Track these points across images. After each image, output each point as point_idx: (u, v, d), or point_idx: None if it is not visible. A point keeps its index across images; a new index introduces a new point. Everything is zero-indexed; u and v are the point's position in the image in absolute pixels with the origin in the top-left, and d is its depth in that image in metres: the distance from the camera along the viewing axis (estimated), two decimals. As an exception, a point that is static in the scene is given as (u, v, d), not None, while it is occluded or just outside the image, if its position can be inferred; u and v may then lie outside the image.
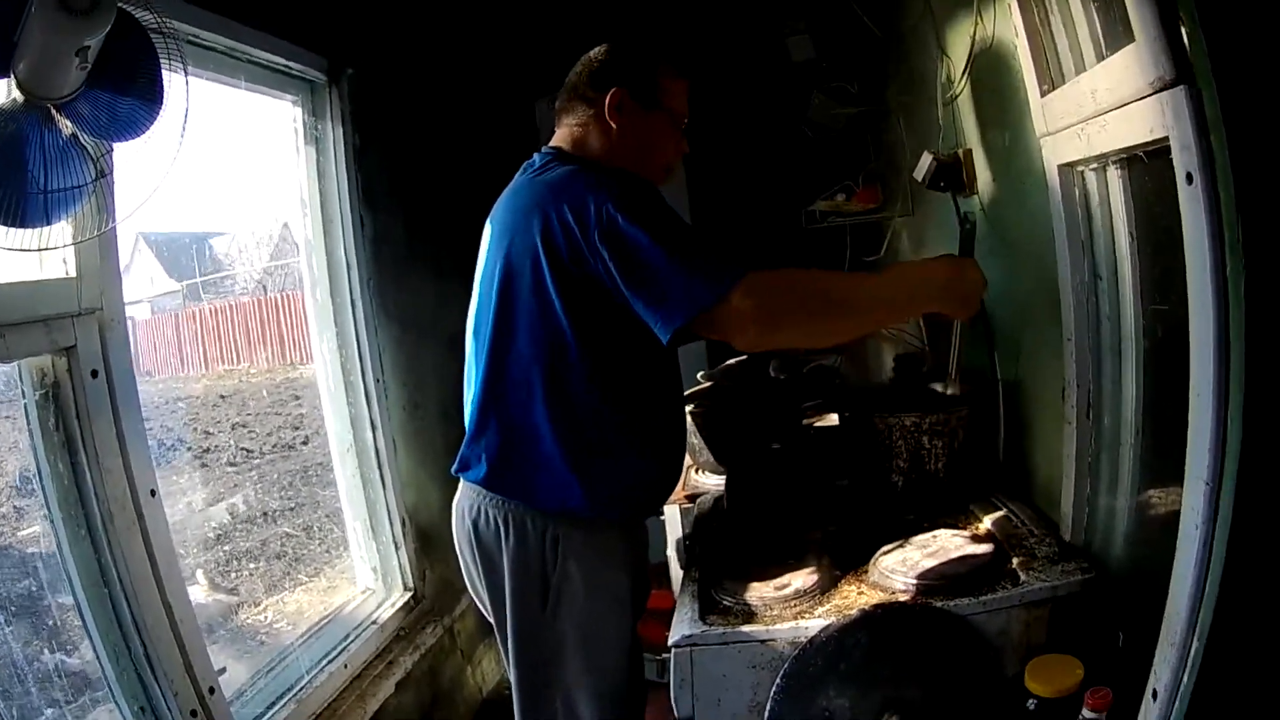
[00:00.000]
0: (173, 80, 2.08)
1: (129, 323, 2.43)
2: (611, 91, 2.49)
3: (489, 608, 2.55)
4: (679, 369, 2.59)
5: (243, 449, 7.55)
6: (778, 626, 2.30)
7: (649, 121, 2.55)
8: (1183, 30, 1.46)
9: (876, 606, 2.26)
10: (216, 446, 7.56)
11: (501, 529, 2.42)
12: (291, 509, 6.26)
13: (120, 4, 1.89)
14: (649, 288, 2.15)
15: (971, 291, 2.36)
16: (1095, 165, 2.10)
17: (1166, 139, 1.56)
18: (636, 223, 2.16)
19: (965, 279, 2.36)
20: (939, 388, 2.94)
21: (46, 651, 2.53)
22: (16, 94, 1.90)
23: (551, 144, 2.59)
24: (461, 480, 2.57)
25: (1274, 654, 1.52)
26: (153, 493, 2.45)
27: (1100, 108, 1.86)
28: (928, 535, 2.57)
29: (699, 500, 3.40)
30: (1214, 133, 1.41)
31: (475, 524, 2.47)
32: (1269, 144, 1.36)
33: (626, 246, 2.16)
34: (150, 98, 2.06)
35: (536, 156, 2.55)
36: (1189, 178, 1.48)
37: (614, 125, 2.51)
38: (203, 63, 2.93)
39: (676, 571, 3.50)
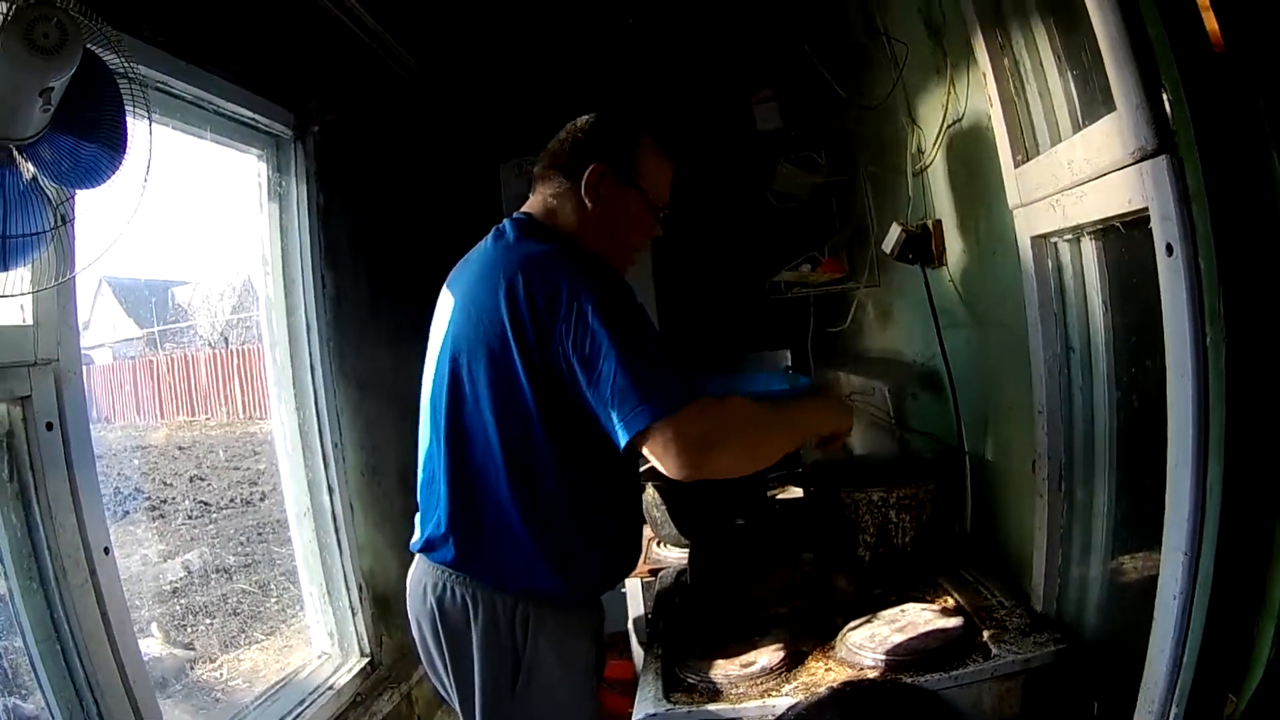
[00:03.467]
0: (137, 128, 2.05)
1: (89, 368, 2.39)
2: (591, 167, 2.44)
3: (452, 686, 2.47)
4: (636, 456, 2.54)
5: (200, 502, 7.51)
6: (744, 705, 2.25)
7: (626, 201, 2.50)
8: (1165, 99, 1.46)
9: (845, 684, 2.22)
10: (174, 498, 7.51)
11: (470, 607, 2.36)
12: (248, 565, 6.24)
13: (88, 45, 1.87)
14: (603, 398, 2.14)
15: (846, 415, 2.63)
16: (1070, 236, 2.09)
17: (1146, 210, 1.56)
18: (606, 328, 2.13)
19: (839, 407, 2.71)
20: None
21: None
22: (-23, 131, 1.87)
23: (524, 210, 2.55)
24: (421, 557, 2.52)
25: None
26: (106, 550, 2.40)
27: (1077, 179, 1.86)
28: (896, 610, 2.53)
29: (660, 575, 3.37)
30: (1195, 203, 1.41)
31: (440, 601, 2.40)
32: (1249, 215, 1.36)
33: (591, 352, 2.14)
34: (114, 145, 2.03)
35: (507, 224, 2.50)
36: (1169, 249, 1.48)
37: (589, 203, 2.45)
38: (169, 111, 2.90)
39: (637, 646, 3.46)
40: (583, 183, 2.44)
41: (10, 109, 1.83)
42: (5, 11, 1.77)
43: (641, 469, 2.55)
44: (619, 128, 2.52)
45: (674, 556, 3.57)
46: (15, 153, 1.89)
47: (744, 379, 3.44)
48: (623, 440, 2.12)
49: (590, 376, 2.14)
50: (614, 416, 2.12)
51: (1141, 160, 1.55)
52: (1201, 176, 1.39)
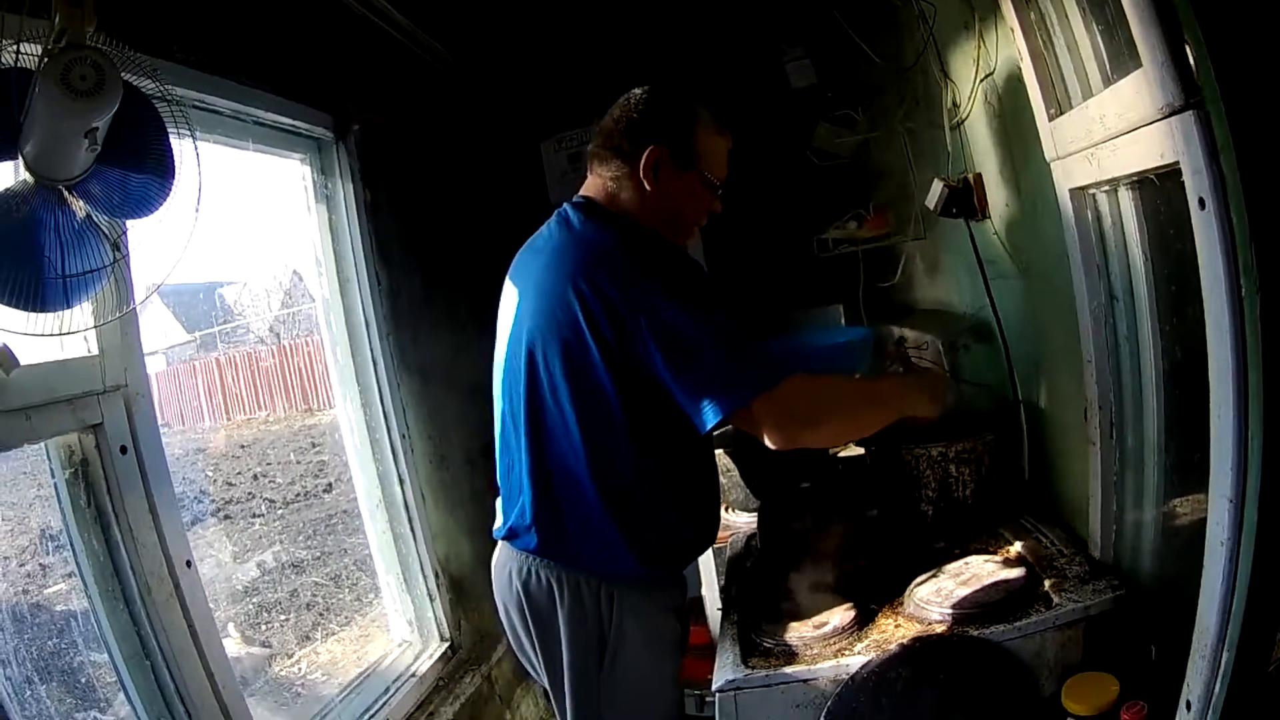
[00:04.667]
0: (183, 150, 2.06)
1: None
2: (649, 150, 2.42)
3: (540, 667, 2.53)
4: (712, 436, 2.55)
5: (266, 499, 7.55)
6: (819, 665, 2.31)
7: (684, 182, 2.48)
8: (1190, 54, 1.46)
9: (914, 640, 2.27)
10: (238, 498, 7.56)
11: (555, 589, 2.41)
12: (318, 558, 6.27)
13: (124, 74, 1.88)
14: (693, 380, 2.17)
15: (940, 398, 2.61)
16: (1107, 188, 2.09)
17: (1178, 163, 1.56)
18: (686, 312, 2.18)
19: (937, 391, 2.62)
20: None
21: (80, 710, 2.55)
22: (26, 175, 1.89)
23: (583, 193, 2.55)
24: (505, 543, 2.56)
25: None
26: (188, 563, 2.44)
27: (1110, 132, 1.86)
28: (960, 563, 2.58)
29: (731, 540, 3.43)
30: (1224, 156, 1.41)
31: (526, 585, 2.45)
32: (1278, 166, 1.36)
33: (674, 337, 2.17)
34: (162, 171, 2.05)
35: (569, 209, 2.50)
36: (1201, 203, 1.49)
37: (648, 185, 2.44)
38: (210, 127, 2.92)
39: (713, 611, 3.51)
40: (641, 165, 2.43)
41: (57, 153, 1.85)
42: (40, 56, 1.80)
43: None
44: (674, 105, 2.50)
45: (742, 521, 3.64)
46: (66, 193, 1.91)
47: (805, 337, 3.47)
48: (714, 420, 2.16)
49: (676, 365, 2.17)
50: (705, 401, 2.16)
51: (1170, 115, 1.55)
52: (1229, 130, 1.39)
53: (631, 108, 2.50)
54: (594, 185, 2.54)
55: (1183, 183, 1.55)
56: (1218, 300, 1.48)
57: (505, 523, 2.53)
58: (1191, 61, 1.46)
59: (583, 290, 2.23)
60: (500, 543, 2.58)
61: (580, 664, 2.41)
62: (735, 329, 2.22)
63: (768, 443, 2.20)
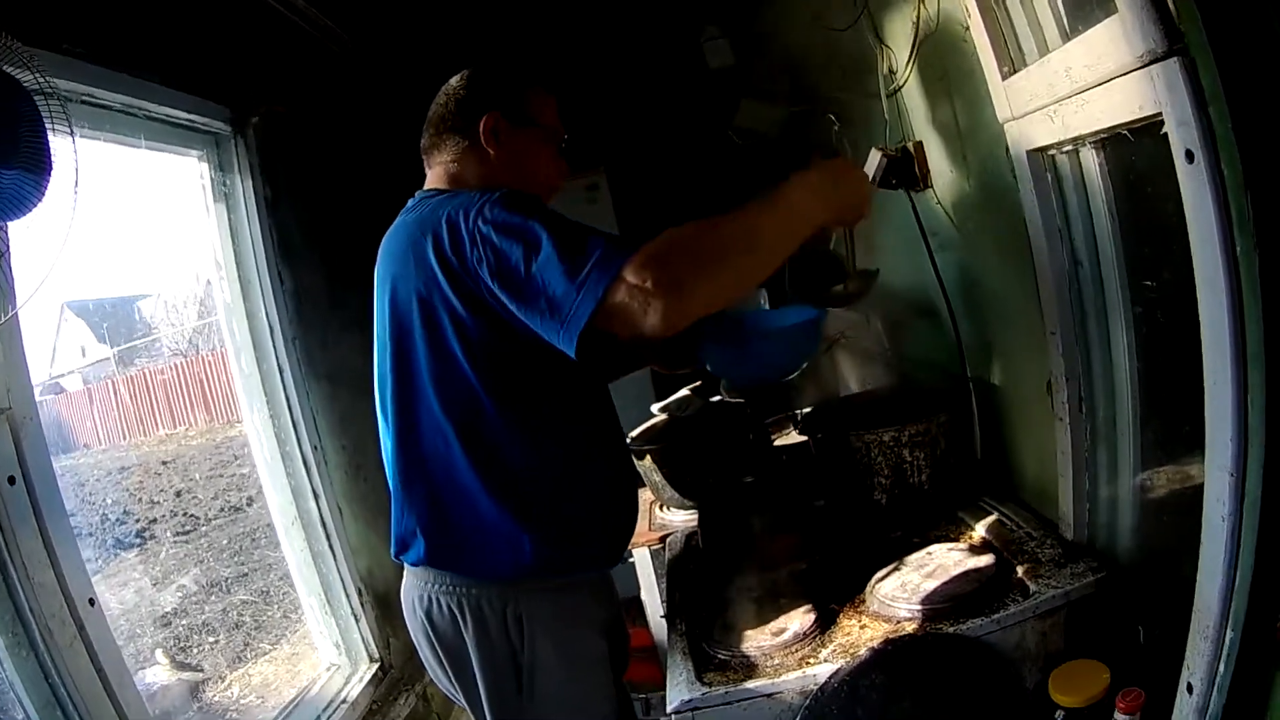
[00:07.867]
0: (59, 146, 1.97)
1: (59, 397, 2.30)
2: (485, 116, 2.39)
3: (461, 698, 2.43)
4: (610, 400, 2.49)
5: (190, 515, 7.46)
6: (784, 677, 2.18)
7: (526, 141, 2.44)
8: (1169, -4, 1.37)
9: (885, 642, 2.15)
10: (162, 516, 7.45)
11: (458, 616, 2.29)
12: (245, 575, 6.21)
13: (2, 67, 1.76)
14: (537, 296, 1.98)
15: (853, 191, 2.31)
16: (1068, 148, 2.01)
17: (1158, 115, 1.48)
18: (510, 224, 2.02)
19: (841, 179, 2.30)
20: (840, 288, 2.97)
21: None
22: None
23: (426, 186, 2.51)
24: (405, 566, 2.44)
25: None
26: (91, 601, 2.33)
27: (1077, 86, 1.77)
28: (922, 553, 2.49)
29: (669, 540, 3.31)
30: (1213, 105, 1.34)
31: (429, 616, 2.33)
32: (1271, 114, 1.29)
33: (504, 252, 2.00)
34: (35, 168, 1.94)
35: (411, 200, 2.46)
36: (1189, 155, 1.40)
37: (492, 151, 2.40)
38: (98, 123, 2.83)
39: (655, 618, 3.39)
40: (481, 134, 2.39)
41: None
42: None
43: (630, 436, 2.43)
44: (497, 73, 2.49)
45: (679, 520, 3.49)
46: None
47: (747, 319, 3.35)
48: (582, 317, 1.93)
49: (518, 289, 2.00)
50: (562, 311, 1.95)
51: (1151, 64, 1.46)
52: (1218, 77, 1.31)
53: (454, 90, 2.50)
54: (435, 175, 2.50)
55: (1159, 136, 1.48)
56: (1210, 260, 1.40)
57: (395, 535, 2.41)
58: (1171, 4, 1.37)
59: (421, 252, 2.14)
60: (405, 567, 2.46)
61: (497, 692, 2.31)
62: (567, 227, 2.03)
63: (648, 331, 1.95)
